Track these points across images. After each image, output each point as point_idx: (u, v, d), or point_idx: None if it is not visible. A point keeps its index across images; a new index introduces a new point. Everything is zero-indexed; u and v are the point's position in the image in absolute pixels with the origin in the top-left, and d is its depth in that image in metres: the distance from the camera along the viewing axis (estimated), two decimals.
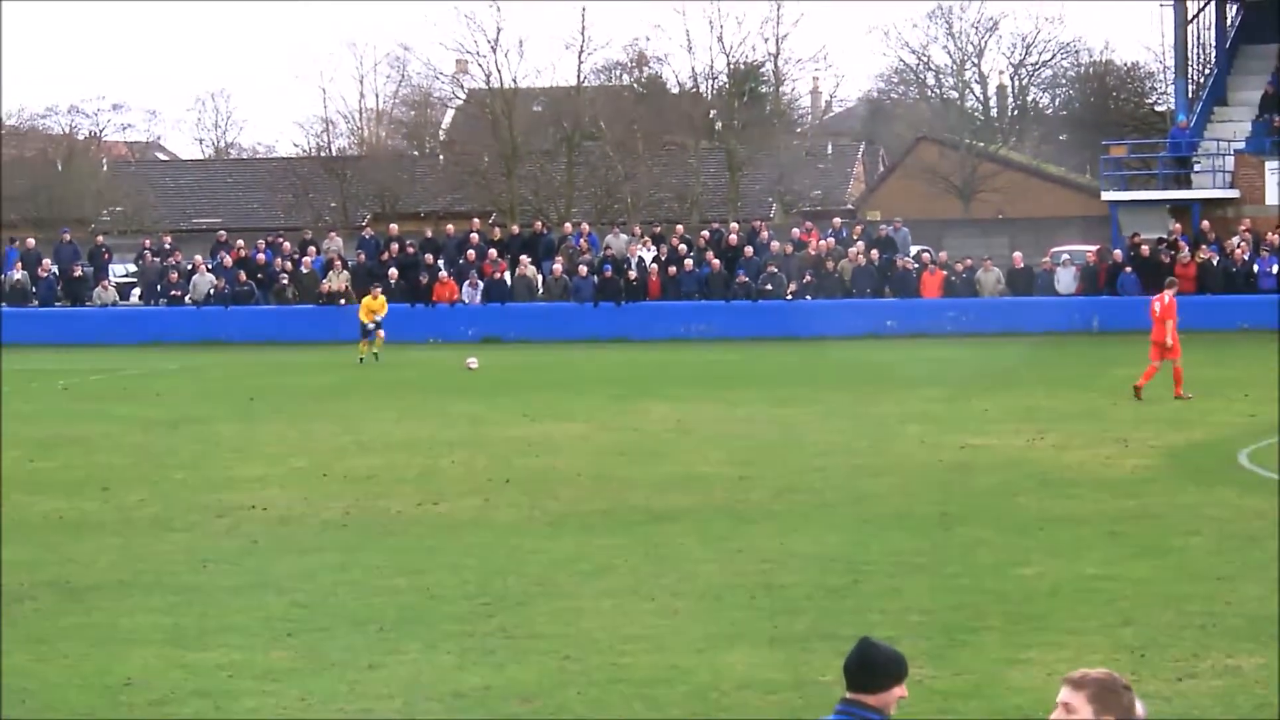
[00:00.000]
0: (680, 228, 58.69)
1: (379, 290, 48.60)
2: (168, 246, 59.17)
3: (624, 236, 57.58)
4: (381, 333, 46.34)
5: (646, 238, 56.95)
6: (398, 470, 25.66)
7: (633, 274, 54.46)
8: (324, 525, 21.28)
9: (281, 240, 58.60)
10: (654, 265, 54.71)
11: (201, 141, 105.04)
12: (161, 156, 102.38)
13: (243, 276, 56.16)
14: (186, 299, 56.47)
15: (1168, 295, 33.76)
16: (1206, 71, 62.44)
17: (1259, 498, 21.96)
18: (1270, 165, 55.94)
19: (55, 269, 58.01)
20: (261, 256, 57.26)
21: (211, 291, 55.87)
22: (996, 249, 63.47)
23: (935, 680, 13.66)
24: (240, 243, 58.88)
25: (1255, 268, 51.39)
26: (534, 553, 19.16)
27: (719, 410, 32.97)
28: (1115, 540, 19.32)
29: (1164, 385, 33.36)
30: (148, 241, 60.78)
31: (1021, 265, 54.36)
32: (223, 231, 63.48)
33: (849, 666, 7.29)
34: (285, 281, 55.70)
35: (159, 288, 57.12)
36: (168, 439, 30.22)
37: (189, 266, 57.44)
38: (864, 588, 17.05)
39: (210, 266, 57.04)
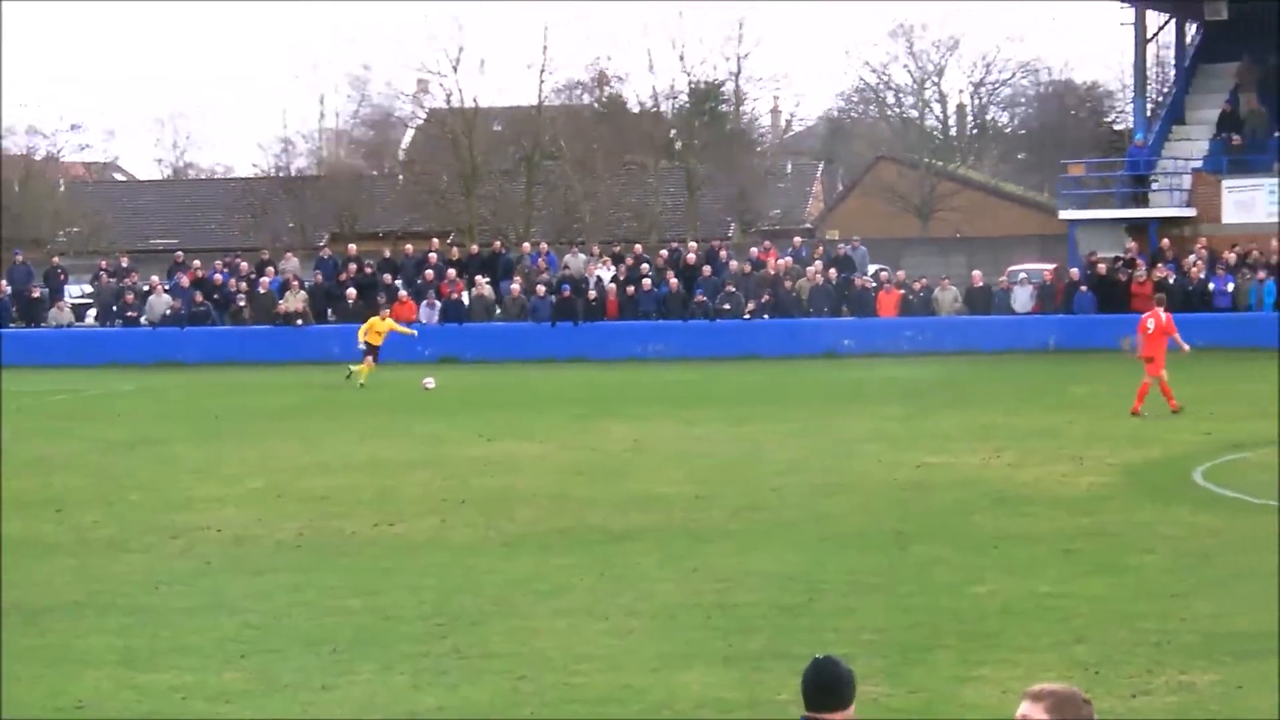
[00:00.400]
0: (639, 247, 58.61)
1: (387, 313, 47.71)
2: (124, 267, 58.97)
3: (582, 256, 57.52)
4: (370, 359, 44.56)
5: (605, 257, 56.95)
6: (355, 491, 25.58)
7: (591, 294, 54.42)
8: (278, 546, 21.22)
9: (239, 261, 58.43)
10: (612, 285, 54.67)
11: (160, 161, 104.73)
12: (119, 177, 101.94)
13: (199, 297, 55.99)
14: (142, 320, 56.23)
15: (1163, 312, 34.00)
16: (1165, 90, 62.73)
17: (1213, 515, 22.05)
18: (1227, 184, 56.16)
19: (9, 290, 57.74)
20: (219, 277, 57.06)
21: (168, 312, 55.64)
22: (954, 268, 63.69)
23: (890, 698, 13.68)
24: (197, 263, 58.71)
25: (1211, 286, 51.59)
26: (490, 573, 19.13)
27: (677, 430, 32.97)
28: (1070, 558, 19.37)
29: (1125, 400, 33.53)
30: (104, 262, 60.53)
31: (979, 284, 54.48)
32: (180, 252, 63.28)
33: (808, 685, 7.24)
34: (242, 302, 55.53)
35: (115, 308, 56.89)
36: (125, 460, 30.10)
37: (145, 287, 57.21)
38: (819, 606, 17.06)
39: (167, 287, 56.83)
